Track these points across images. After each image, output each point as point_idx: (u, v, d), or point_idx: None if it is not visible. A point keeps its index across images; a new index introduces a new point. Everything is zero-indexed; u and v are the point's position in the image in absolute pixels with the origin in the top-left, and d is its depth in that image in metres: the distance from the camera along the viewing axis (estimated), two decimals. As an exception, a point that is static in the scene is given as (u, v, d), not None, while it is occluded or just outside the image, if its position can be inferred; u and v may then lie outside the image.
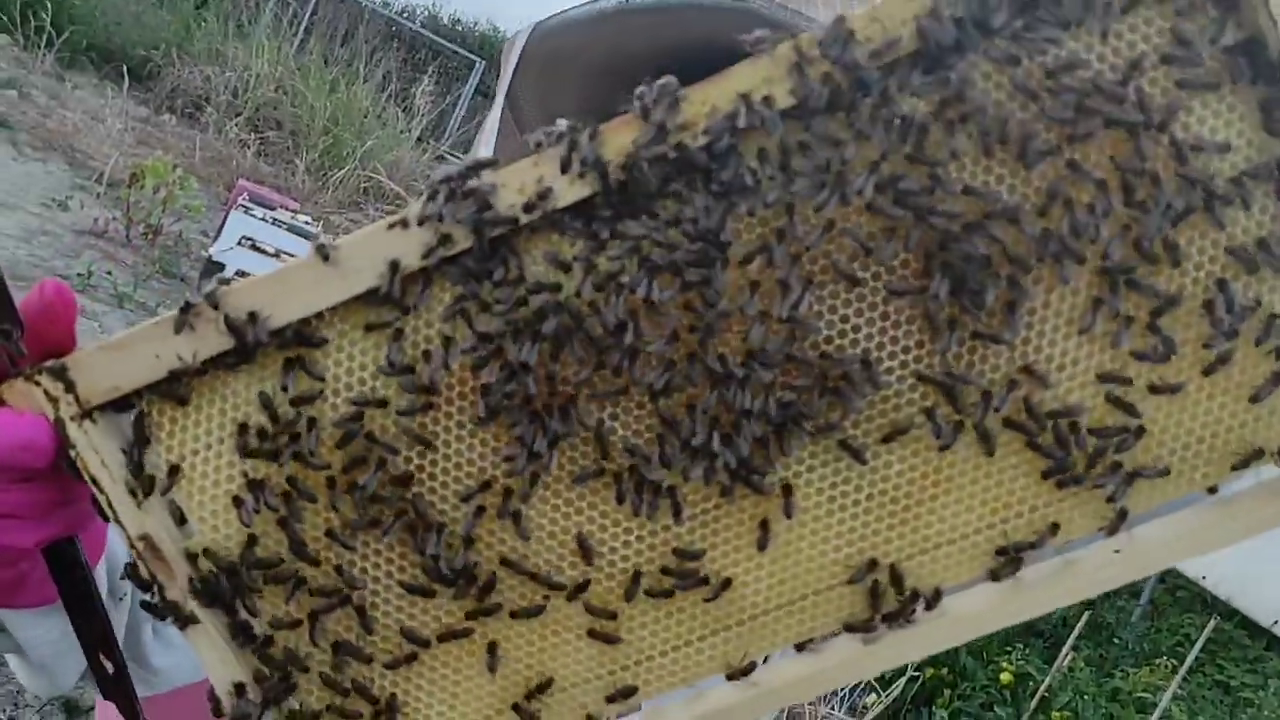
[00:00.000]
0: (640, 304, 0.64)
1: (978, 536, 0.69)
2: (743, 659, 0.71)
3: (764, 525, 0.68)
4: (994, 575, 0.70)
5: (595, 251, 0.64)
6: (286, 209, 6.58)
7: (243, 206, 6.08)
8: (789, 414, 0.65)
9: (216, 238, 5.99)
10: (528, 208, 0.63)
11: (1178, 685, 4.28)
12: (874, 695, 4.25)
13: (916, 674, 4.46)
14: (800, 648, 0.72)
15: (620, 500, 0.67)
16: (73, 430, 0.65)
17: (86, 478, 0.66)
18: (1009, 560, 0.68)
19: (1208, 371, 0.66)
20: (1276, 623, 5.45)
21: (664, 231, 0.63)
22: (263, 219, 6.01)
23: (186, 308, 0.64)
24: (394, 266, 0.64)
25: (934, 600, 0.70)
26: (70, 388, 0.65)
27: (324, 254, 0.63)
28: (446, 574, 0.67)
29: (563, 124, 0.63)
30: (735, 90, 0.62)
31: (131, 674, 0.72)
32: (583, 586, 0.68)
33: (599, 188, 0.63)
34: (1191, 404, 0.67)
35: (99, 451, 0.66)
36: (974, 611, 0.70)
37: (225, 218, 6.11)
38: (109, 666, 0.69)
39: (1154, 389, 0.66)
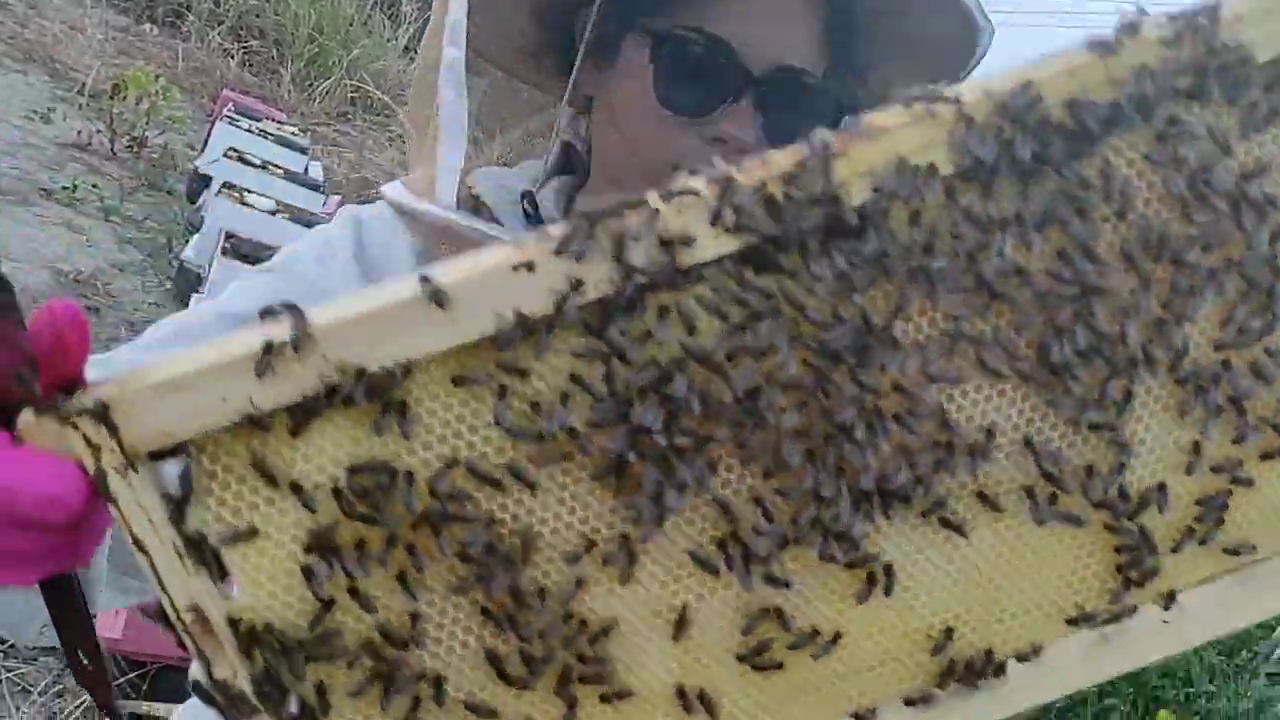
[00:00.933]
0: (775, 371, 0.60)
1: (1051, 607, 0.70)
2: (807, 723, 0.70)
3: (862, 591, 0.66)
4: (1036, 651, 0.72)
5: (729, 310, 0.59)
6: (273, 120, 6.43)
7: (228, 118, 5.90)
8: (903, 484, 0.63)
9: (203, 150, 5.79)
10: (669, 255, 0.58)
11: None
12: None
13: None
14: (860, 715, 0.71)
15: (729, 567, 0.63)
16: (116, 484, 0.54)
17: (129, 538, 0.55)
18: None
19: (1266, 457, 0.69)
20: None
21: (808, 297, 0.59)
22: (249, 130, 5.85)
23: (270, 348, 0.54)
24: (521, 318, 0.57)
25: (1001, 669, 0.71)
26: (114, 432, 0.54)
27: (437, 298, 0.56)
28: (535, 655, 0.62)
29: (720, 167, 0.58)
30: (895, 152, 0.59)
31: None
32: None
33: (746, 243, 0.58)
34: (1263, 486, 0.70)
35: (145, 509, 0.55)
36: (1027, 682, 0.72)
37: (211, 129, 5.93)
38: (87, 663, 0.61)
39: (1235, 479, 0.68)
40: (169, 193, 5.90)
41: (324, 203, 5.45)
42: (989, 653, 0.70)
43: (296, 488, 0.58)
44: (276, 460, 0.58)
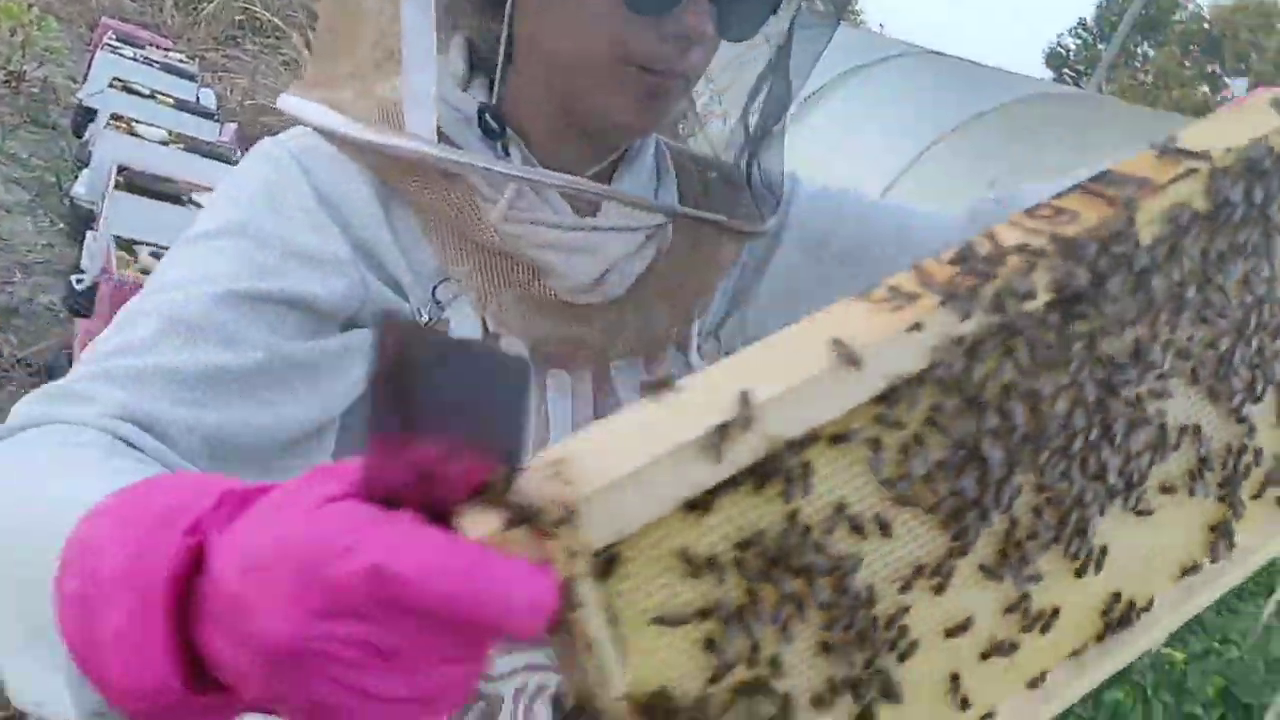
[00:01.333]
0: (1078, 400, 0.67)
1: (1174, 564, 0.84)
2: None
3: (1079, 570, 0.76)
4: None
5: (1050, 354, 0.65)
6: (157, 47, 6.26)
7: (109, 46, 5.62)
8: (1130, 481, 0.73)
9: (84, 81, 5.53)
10: (1019, 306, 0.62)
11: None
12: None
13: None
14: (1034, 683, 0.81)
15: (1009, 573, 0.70)
16: (584, 588, 0.51)
17: (580, 644, 0.52)
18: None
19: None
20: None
21: (1103, 337, 0.66)
22: (133, 59, 5.54)
23: (724, 431, 0.52)
24: (909, 378, 0.59)
25: (1139, 618, 0.84)
26: (577, 534, 0.50)
27: (855, 362, 0.56)
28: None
29: (1044, 226, 0.62)
30: (1173, 201, 0.67)
31: None
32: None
33: (1059, 294, 0.64)
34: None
35: (601, 609, 0.52)
36: (1139, 629, 0.86)
37: (92, 59, 5.64)
38: None
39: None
40: (53, 128, 5.57)
41: (219, 131, 5.11)
42: (1132, 604, 0.83)
43: (711, 562, 0.56)
44: (691, 536, 0.56)
